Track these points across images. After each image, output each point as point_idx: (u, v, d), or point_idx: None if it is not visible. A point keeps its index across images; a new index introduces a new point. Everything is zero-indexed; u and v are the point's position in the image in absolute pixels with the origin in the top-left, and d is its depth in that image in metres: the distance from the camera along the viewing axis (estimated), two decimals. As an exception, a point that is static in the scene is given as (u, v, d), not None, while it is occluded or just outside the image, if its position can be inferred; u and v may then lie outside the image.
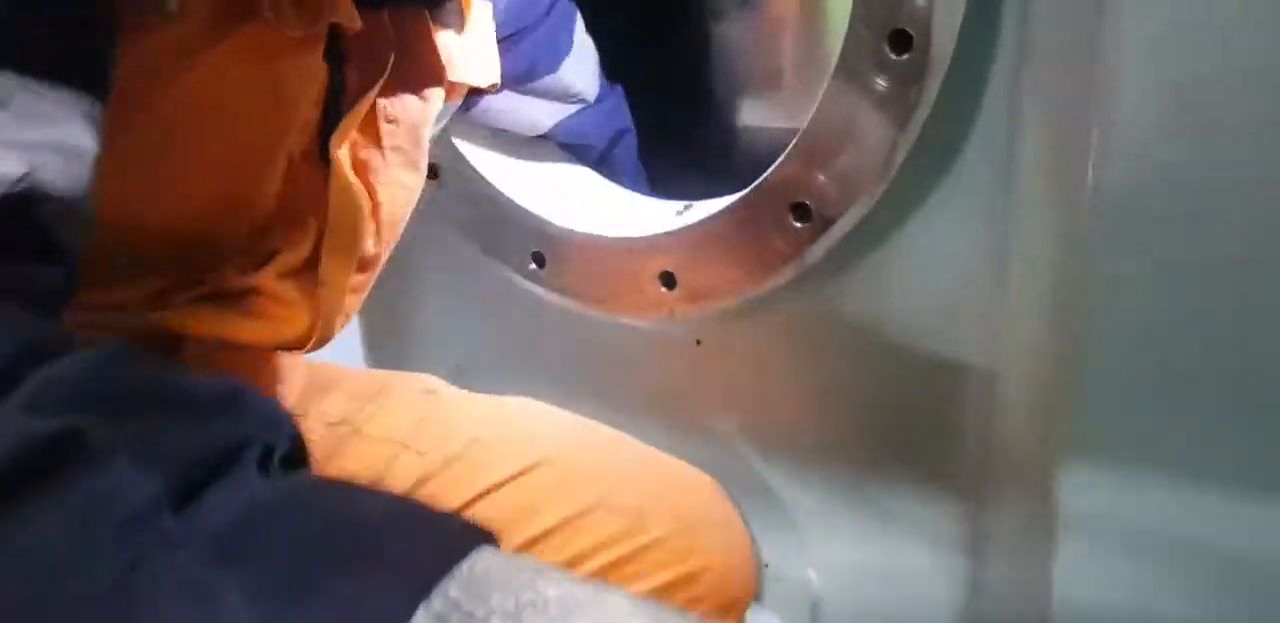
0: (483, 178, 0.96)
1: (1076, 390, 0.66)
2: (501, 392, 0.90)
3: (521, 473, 0.79)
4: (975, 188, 0.70)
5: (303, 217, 0.66)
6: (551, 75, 0.93)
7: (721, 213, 0.82)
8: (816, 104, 0.74)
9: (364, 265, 0.69)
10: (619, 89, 1.03)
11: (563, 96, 0.97)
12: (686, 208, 0.91)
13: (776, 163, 0.78)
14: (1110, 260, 0.62)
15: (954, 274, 0.73)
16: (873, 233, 0.75)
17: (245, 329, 0.64)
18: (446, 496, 0.77)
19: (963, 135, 0.69)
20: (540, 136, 1.02)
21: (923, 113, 0.68)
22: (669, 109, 1.10)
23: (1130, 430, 0.64)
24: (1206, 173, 0.57)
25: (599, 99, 1.00)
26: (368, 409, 0.82)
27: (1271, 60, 0.54)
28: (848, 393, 0.82)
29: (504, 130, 0.99)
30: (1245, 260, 0.58)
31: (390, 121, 0.67)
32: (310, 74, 0.61)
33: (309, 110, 0.63)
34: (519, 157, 1.00)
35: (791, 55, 1.09)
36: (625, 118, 1.03)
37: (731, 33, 1.12)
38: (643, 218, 0.90)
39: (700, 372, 0.90)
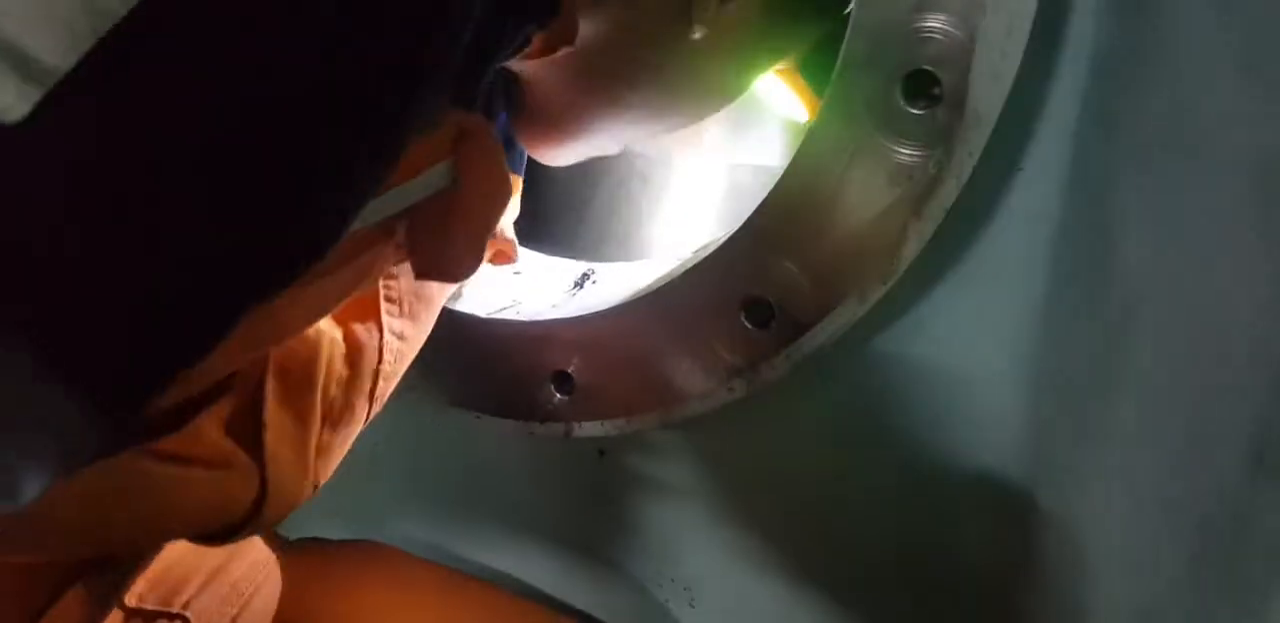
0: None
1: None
2: (372, 510, 0.68)
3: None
4: (1013, 295, 0.50)
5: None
6: None
7: (637, 299, 0.59)
8: (788, 161, 0.52)
9: (335, 422, 0.52)
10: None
11: None
12: (586, 278, 0.68)
13: (723, 237, 0.56)
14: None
15: (965, 404, 0.53)
16: (859, 346, 0.54)
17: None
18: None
19: (1008, 227, 0.48)
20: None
21: (949, 192, 0.47)
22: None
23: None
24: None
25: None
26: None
27: None
28: (809, 535, 0.61)
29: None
30: None
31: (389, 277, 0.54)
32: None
33: None
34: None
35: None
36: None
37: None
38: (529, 289, 0.67)
39: (606, 492, 0.68)
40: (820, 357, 0.54)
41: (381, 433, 0.71)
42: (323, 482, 0.51)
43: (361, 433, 0.56)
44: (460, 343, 0.66)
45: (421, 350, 0.67)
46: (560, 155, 0.59)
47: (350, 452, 0.64)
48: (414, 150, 0.41)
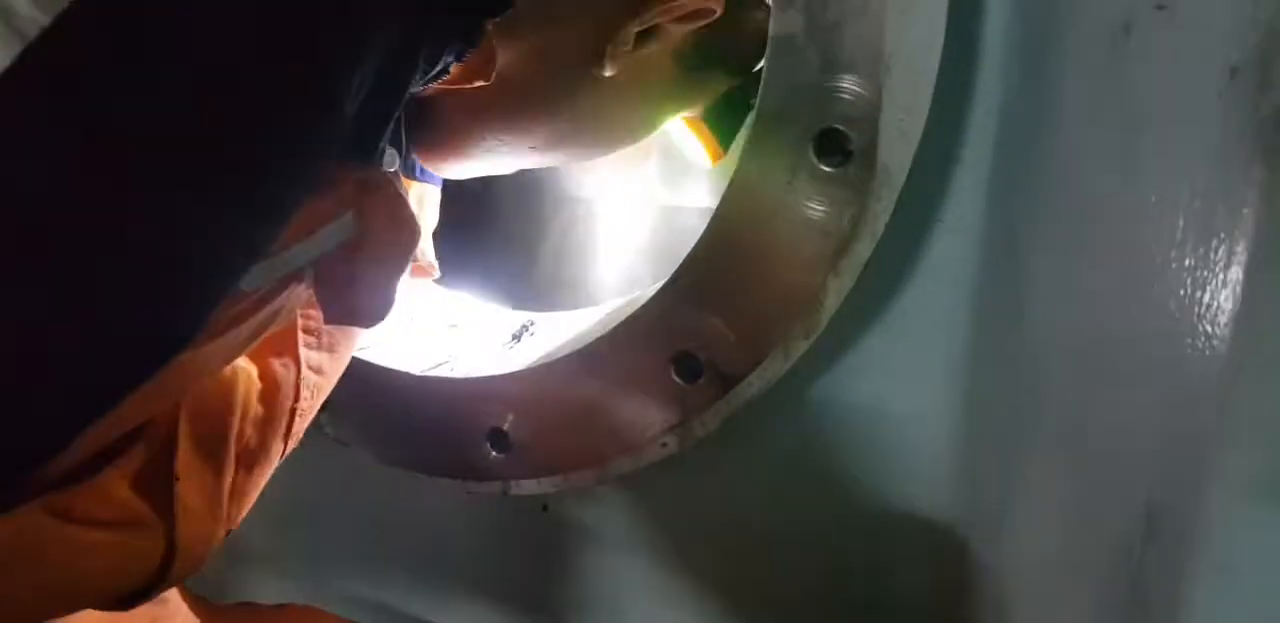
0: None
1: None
2: (315, 567, 0.67)
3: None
4: (935, 346, 0.50)
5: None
6: None
7: (570, 355, 0.59)
8: (711, 217, 0.52)
9: (250, 463, 0.50)
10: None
11: None
12: (525, 330, 0.68)
13: (651, 292, 0.56)
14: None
15: (894, 451, 0.53)
16: (787, 398, 0.54)
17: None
18: None
19: (927, 280, 0.48)
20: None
21: (864, 247, 0.47)
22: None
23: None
24: None
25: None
26: None
27: None
28: (747, 581, 0.61)
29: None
30: None
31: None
32: None
33: None
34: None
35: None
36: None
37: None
38: (465, 344, 0.67)
39: (549, 550, 0.67)
40: (750, 409, 0.54)
41: (321, 488, 0.71)
42: (235, 527, 0.50)
43: (301, 487, 0.55)
44: (394, 401, 0.65)
45: (356, 407, 0.67)
46: (456, 172, 0.59)
47: (290, 508, 0.63)
48: (313, 206, 0.40)
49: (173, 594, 0.61)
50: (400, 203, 0.45)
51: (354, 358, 0.59)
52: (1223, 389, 0.30)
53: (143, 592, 0.45)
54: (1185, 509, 0.30)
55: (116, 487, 0.43)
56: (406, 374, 0.65)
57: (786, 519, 0.56)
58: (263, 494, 0.52)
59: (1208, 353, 0.31)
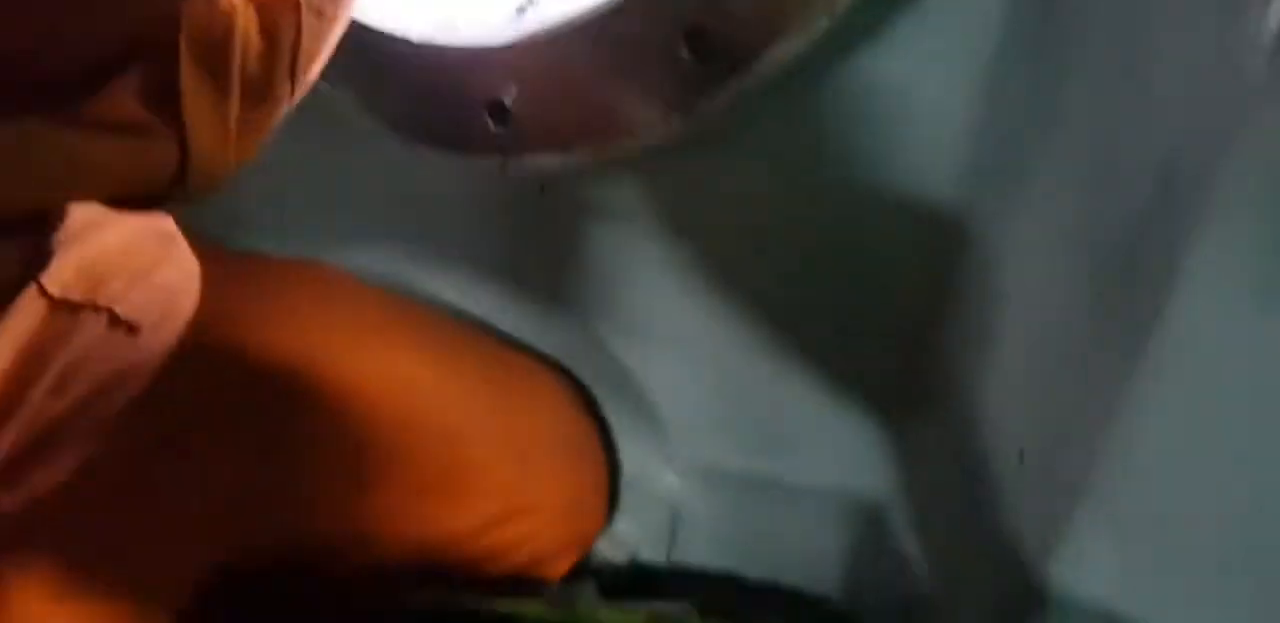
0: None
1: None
2: (314, 234, 0.68)
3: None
4: (966, 32, 0.47)
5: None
6: None
7: (578, 26, 0.56)
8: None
9: (255, 97, 0.47)
10: None
11: None
12: (530, 2, 0.64)
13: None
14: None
15: (910, 139, 0.51)
16: (807, 76, 0.51)
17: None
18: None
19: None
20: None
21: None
22: None
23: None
24: None
25: None
26: None
27: None
28: (750, 271, 0.61)
29: None
30: None
31: None
32: None
33: None
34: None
35: None
36: None
37: None
38: (469, 18, 0.63)
39: (544, 229, 0.67)
40: (762, 91, 0.52)
41: (317, 157, 0.70)
42: (247, 160, 0.49)
43: (296, 156, 0.53)
44: (392, 69, 0.63)
45: (354, 73, 0.64)
46: None
47: (289, 175, 0.62)
48: None
49: (180, 237, 0.59)
50: None
51: (353, 21, 0.56)
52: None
53: (159, 198, 0.45)
54: (1204, 173, 0.29)
55: (121, 97, 0.41)
56: (405, 41, 0.62)
57: (789, 203, 0.56)
58: (260, 161, 0.51)
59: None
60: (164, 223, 0.53)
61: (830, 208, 0.54)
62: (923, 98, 0.50)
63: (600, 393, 0.70)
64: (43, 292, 0.48)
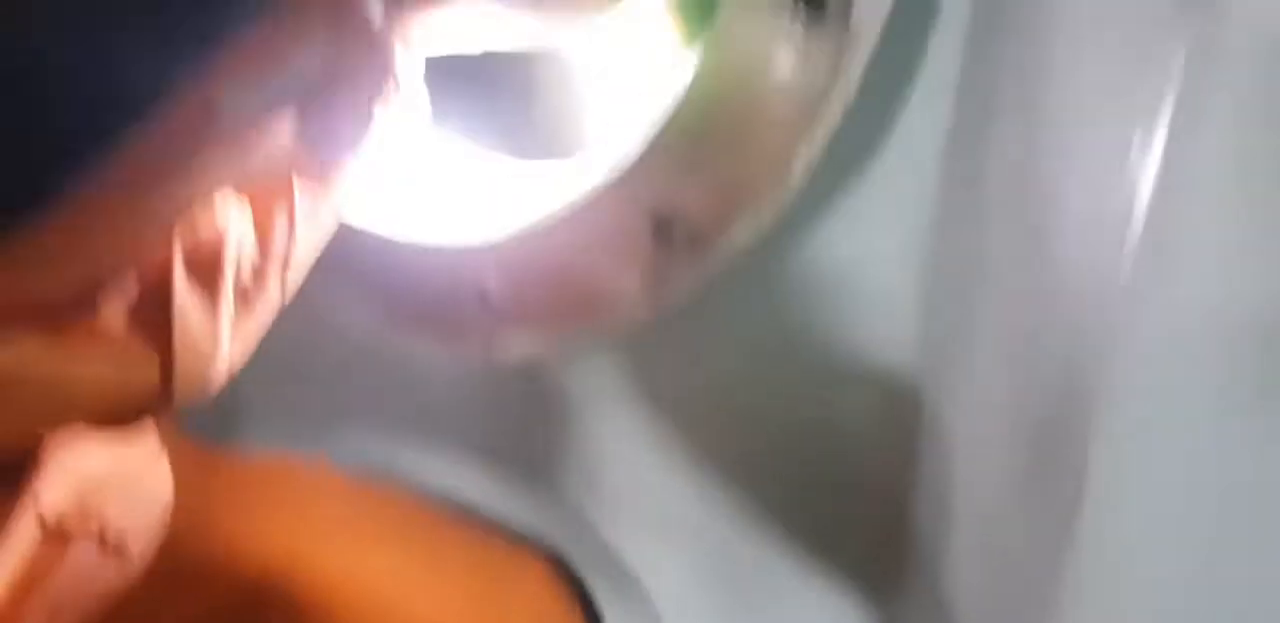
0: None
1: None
2: (304, 422, 0.70)
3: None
4: (904, 206, 0.50)
5: None
6: None
7: (550, 220, 0.59)
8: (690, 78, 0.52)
9: (246, 308, 0.48)
10: None
11: None
12: (507, 192, 0.68)
13: (633, 155, 0.56)
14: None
15: (871, 307, 0.53)
16: (765, 257, 0.54)
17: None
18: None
19: (902, 143, 0.48)
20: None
21: (836, 109, 0.47)
22: None
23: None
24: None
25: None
26: None
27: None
28: (728, 447, 0.62)
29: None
30: None
31: None
32: None
33: None
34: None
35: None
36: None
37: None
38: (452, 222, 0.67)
39: (533, 410, 0.69)
40: (725, 274, 0.55)
41: (301, 345, 0.73)
42: (237, 368, 0.50)
43: (280, 343, 0.55)
44: (381, 265, 0.66)
45: (341, 270, 0.67)
46: (429, 34, 0.57)
47: (272, 363, 0.64)
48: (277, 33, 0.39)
49: (163, 453, 0.60)
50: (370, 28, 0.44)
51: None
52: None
53: (147, 411, 0.46)
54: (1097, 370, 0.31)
55: (109, 315, 0.43)
56: (387, 239, 0.66)
57: (758, 378, 0.57)
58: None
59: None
60: (149, 439, 0.54)
61: (797, 382, 0.56)
62: (874, 268, 0.52)
63: (586, 571, 0.70)
64: (39, 521, 0.49)
